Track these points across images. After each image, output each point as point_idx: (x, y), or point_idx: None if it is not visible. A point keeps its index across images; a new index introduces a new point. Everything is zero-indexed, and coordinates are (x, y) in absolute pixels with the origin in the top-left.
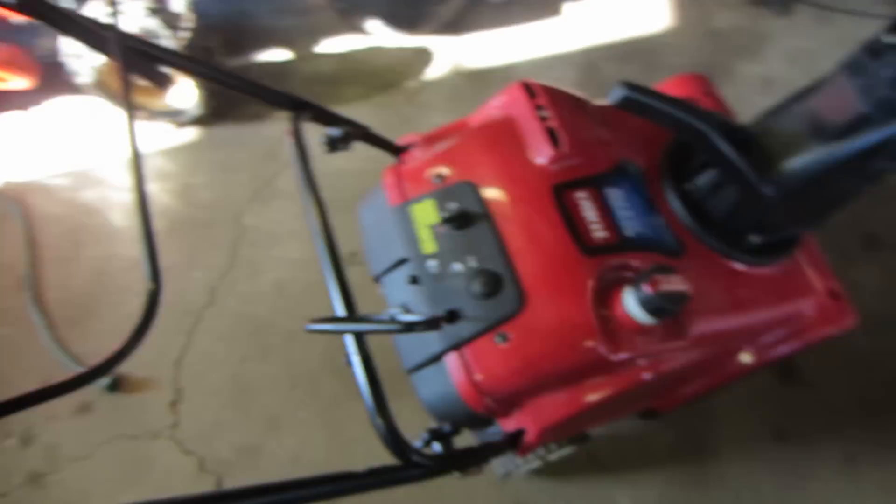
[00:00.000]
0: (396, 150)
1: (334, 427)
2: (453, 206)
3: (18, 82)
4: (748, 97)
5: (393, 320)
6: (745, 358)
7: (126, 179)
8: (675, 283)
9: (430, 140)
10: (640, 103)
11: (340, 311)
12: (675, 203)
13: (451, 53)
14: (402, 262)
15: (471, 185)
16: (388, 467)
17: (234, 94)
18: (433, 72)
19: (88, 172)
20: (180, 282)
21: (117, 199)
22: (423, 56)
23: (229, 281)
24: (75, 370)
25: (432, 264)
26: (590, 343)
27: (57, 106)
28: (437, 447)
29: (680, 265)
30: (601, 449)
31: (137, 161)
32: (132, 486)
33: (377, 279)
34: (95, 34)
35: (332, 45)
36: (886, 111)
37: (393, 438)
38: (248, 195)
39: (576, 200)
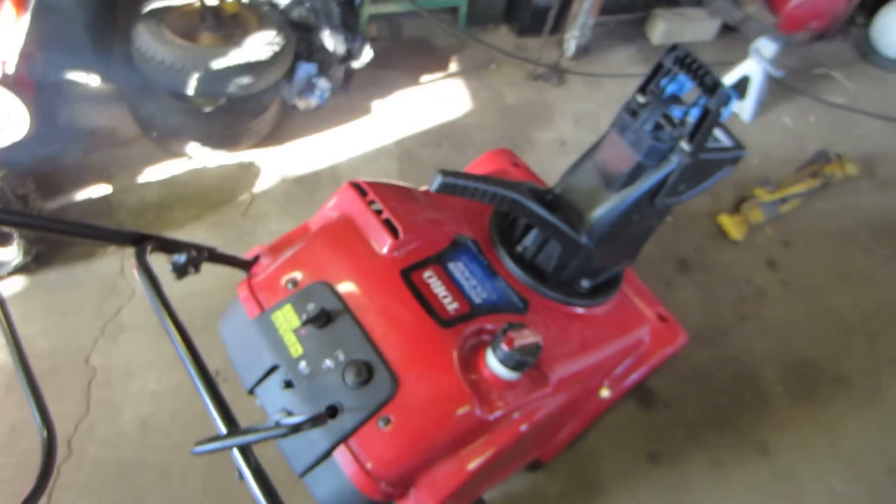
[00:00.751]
0: (246, 265)
1: None
2: (311, 307)
3: None
4: (549, 159)
5: (278, 425)
6: (605, 393)
7: None
8: (527, 337)
9: (276, 249)
10: (457, 186)
11: (222, 428)
12: (510, 265)
13: (275, 163)
14: (273, 369)
15: (325, 285)
16: None
17: (57, 236)
18: (262, 183)
19: None
20: (30, 442)
21: None
22: (248, 169)
23: (85, 428)
24: None
25: (303, 366)
26: (465, 408)
27: None
28: None
29: (527, 320)
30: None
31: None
32: None
33: (251, 391)
34: None
35: (154, 172)
36: (655, 157)
37: None
38: (93, 335)
39: (424, 280)
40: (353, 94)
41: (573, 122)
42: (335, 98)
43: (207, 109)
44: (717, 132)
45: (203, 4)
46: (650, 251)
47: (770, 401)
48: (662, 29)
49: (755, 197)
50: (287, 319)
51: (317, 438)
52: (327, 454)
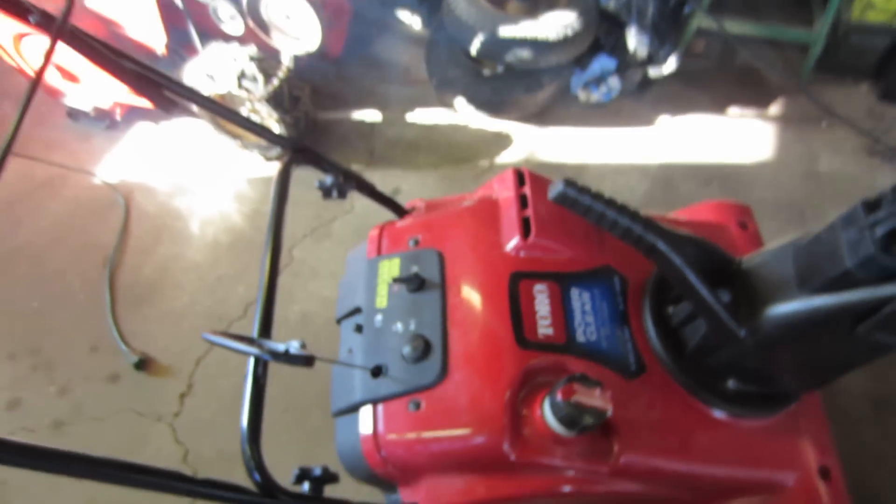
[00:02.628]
0: (399, 211)
1: (307, 457)
2: (414, 269)
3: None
4: None
5: (262, 347)
6: None
7: (211, 195)
8: (594, 397)
9: (432, 207)
10: (578, 202)
11: (255, 331)
12: (648, 323)
13: (529, 142)
14: (357, 310)
15: (438, 254)
16: (244, 488)
17: (319, 141)
18: (507, 156)
19: (186, 184)
20: (224, 292)
21: (200, 210)
22: (501, 139)
23: None
24: (117, 343)
25: (379, 318)
26: (491, 434)
27: (177, 125)
28: (305, 487)
29: (628, 387)
30: None
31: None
32: (124, 457)
33: (338, 322)
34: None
35: (421, 115)
36: (872, 271)
37: (256, 465)
38: (305, 231)
39: (532, 292)
40: (644, 102)
41: None
42: (623, 100)
43: (485, 72)
44: None
45: None
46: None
47: None
48: None
49: None
50: (390, 271)
51: (356, 388)
52: (356, 407)
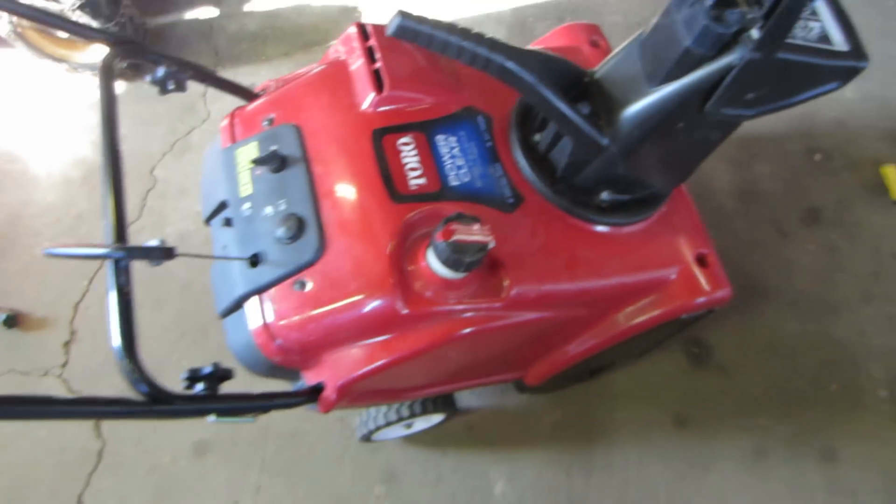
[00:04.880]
0: (248, 95)
1: None
2: (272, 148)
3: None
4: None
5: (115, 246)
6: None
7: (49, 129)
8: (473, 233)
9: (283, 83)
10: (419, 34)
11: (109, 238)
12: (517, 154)
13: (377, 9)
14: (223, 205)
15: (294, 129)
16: (132, 401)
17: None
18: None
19: (17, 122)
20: (88, 228)
21: (40, 148)
22: (348, 12)
23: (135, 231)
24: None
25: (246, 207)
26: (382, 295)
27: None
28: (199, 388)
29: (509, 220)
30: (481, 421)
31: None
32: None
33: (207, 223)
34: None
35: (260, 1)
36: (710, 44)
37: (140, 376)
38: (163, 148)
39: (397, 146)
40: None
41: None
42: None
43: None
44: (831, 26)
45: None
46: (774, 187)
47: (862, 403)
48: None
49: None
50: (249, 157)
51: (236, 283)
52: (240, 302)
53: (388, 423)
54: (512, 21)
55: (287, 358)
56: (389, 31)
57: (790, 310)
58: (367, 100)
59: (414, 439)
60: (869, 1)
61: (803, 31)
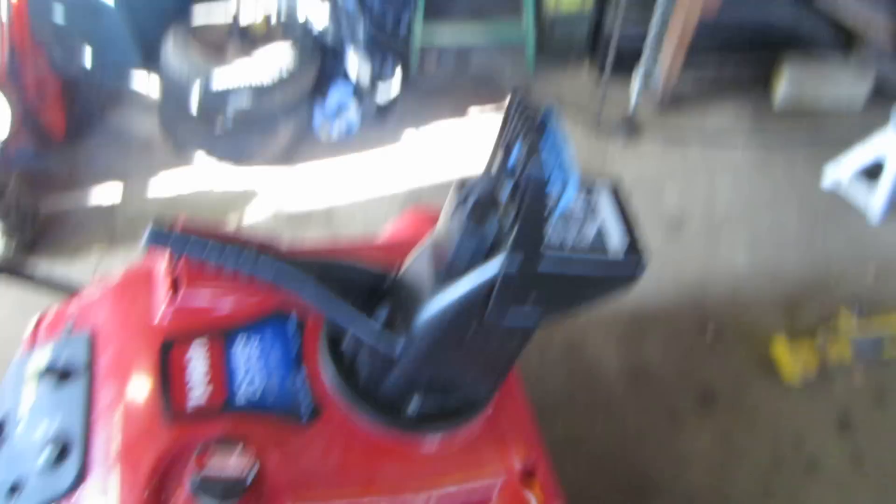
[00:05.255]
0: (71, 294)
1: None
2: (60, 359)
3: None
4: None
5: None
6: None
7: None
8: (228, 466)
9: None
10: (173, 245)
11: None
12: (324, 360)
13: (278, 189)
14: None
15: (87, 338)
16: None
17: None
18: (255, 207)
19: None
20: None
21: None
22: (249, 191)
23: None
24: None
25: (20, 426)
26: None
27: None
28: None
29: (302, 435)
30: None
31: None
32: None
33: None
34: None
35: (163, 180)
36: (466, 258)
37: None
38: None
39: (185, 359)
40: (388, 126)
41: (627, 190)
42: (368, 127)
43: (218, 125)
44: (611, 228)
45: (233, 22)
46: (666, 368)
47: None
48: (787, 90)
49: (838, 326)
50: (38, 366)
51: None
52: None
53: None
54: (406, 199)
55: None
56: (143, 245)
57: None
58: (163, 308)
59: None
60: (758, 170)
61: (576, 238)
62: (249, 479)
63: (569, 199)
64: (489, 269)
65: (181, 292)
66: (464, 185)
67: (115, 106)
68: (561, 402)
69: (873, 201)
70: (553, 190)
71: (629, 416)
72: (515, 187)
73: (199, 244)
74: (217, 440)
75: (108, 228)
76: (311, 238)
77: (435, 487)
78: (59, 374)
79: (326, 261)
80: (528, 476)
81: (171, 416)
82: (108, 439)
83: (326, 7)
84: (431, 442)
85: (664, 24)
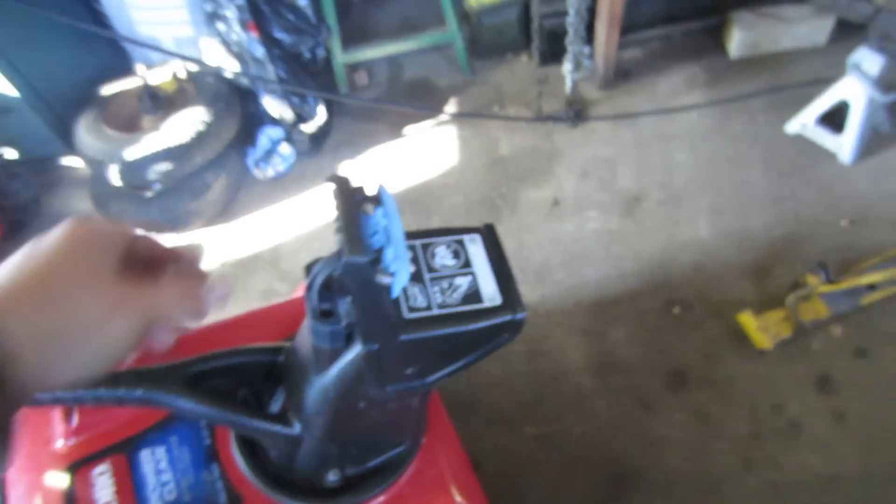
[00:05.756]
0: None
1: None
2: None
3: None
4: (532, 226)
5: None
6: None
7: None
8: None
9: None
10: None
11: None
12: (234, 450)
13: (221, 243)
14: None
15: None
16: None
17: None
18: (203, 267)
19: None
20: None
21: None
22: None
23: None
24: None
25: None
26: None
27: None
28: None
29: None
30: None
31: None
32: None
33: None
34: None
35: None
36: (326, 339)
37: None
38: None
39: (90, 479)
40: (324, 156)
41: (579, 175)
42: (303, 162)
43: (147, 194)
44: (484, 277)
45: (142, 86)
46: (633, 353)
47: None
48: (742, 37)
49: (808, 285)
50: None
51: None
52: None
53: None
54: None
55: None
56: None
57: (663, 496)
58: (57, 433)
59: None
60: (716, 129)
61: (445, 295)
62: None
63: (402, 279)
64: (349, 355)
65: (74, 416)
66: (311, 268)
67: (50, 190)
68: (529, 404)
69: (843, 141)
70: (390, 267)
71: (600, 408)
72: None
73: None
74: None
75: None
76: (258, 285)
77: None
78: None
79: (206, 357)
80: None
81: None
82: None
83: (234, 54)
84: None
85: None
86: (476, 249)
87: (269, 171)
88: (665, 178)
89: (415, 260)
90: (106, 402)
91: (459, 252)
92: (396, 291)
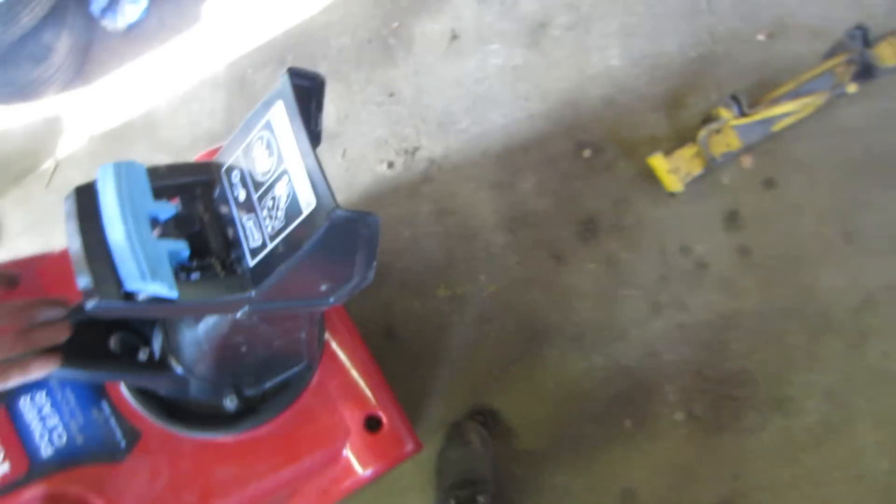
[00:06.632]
0: None
1: None
2: None
3: None
4: (429, 65)
5: None
6: None
7: None
8: None
9: None
10: None
11: None
12: (122, 384)
13: (82, 111)
14: None
15: None
16: None
17: None
18: (67, 143)
19: None
20: None
21: None
22: (52, 126)
23: None
24: None
25: None
26: None
27: None
28: None
29: (124, 468)
30: None
31: None
32: None
33: None
34: None
35: None
36: None
37: None
38: None
39: None
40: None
41: (476, 2)
42: (161, 7)
43: None
44: (297, 172)
45: None
46: (544, 203)
47: (658, 433)
48: None
49: (720, 118)
50: None
51: None
52: None
53: None
54: (228, 80)
55: None
56: None
57: (574, 346)
58: None
59: None
60: None
61: (273, 218)
62: None
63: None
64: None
65: None
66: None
67: None
68: (441, 266)
69: None
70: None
71: (512, 265)
72: None
73: None
74: None
75: None
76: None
77: (279, 470)
78: None
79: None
80: (374, 424)
81: None
82: None
83: None
84: (264, 428)
85: None
86: (282, 127)
87: (120, 22)
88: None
89: (242, 180)
90: None
91: (271, 143)
92: (170, 296)
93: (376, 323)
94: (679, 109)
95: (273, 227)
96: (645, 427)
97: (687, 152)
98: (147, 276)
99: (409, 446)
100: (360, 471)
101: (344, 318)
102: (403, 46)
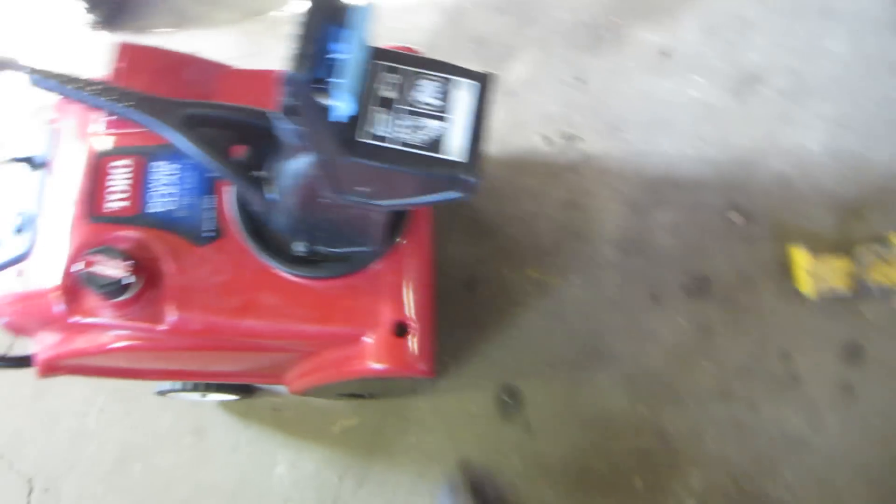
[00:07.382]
0: None
1: None
2: (28, 149)
3: None
4: (627, 75)
5: None
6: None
7: None
8: (108, 267)
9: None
10: (52, 88)
11: None
12: (230, 191)
13: None
14: None
15: (53, 132)
16: None
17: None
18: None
19: None
20: None
21: None
22: None
23: None
24: None
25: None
26: (53, 296)
27: None
28: None
29: (196, 253)
30: (285, 406)
31: None
32: None
33: None
34: None
35: None
36: (286, 135)
37: None
38: None
39: (108, 169)
40: None
41: (703, 29)
42: None
43: None
44: (457, 128)
45: None
46: (669, 243)
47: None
48: None
49: (892, 245)
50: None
51: None
52: None
53: (184, 390)
54: (450, 7)
55: (14, 330)
56: (29, 84)
57: (625, 384)
58: (100, 123)
59: (228, 404)
60: (894, 24)
61: (410, 133)
62: (124, 280)
63: (343, 109)
64: (303, 161)
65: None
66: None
67: None
68: (545, 249)
69: None
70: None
71: (608, 282)
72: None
73: (77, 90)
74: (106, 248)
75: (172, 8)
76: None
77: (307, 322)
78: (30, 163)
79: (203, 104)
80: (401, 330)
81: (94, 215)
82: (49, 224)
83: None
84: (314, 283)
85: None
86: (465, 97)
87: None
88: (801, 65)
89: (397, 86)
90: (94, 103)
91: (446, 94)
92: (338, 117)
93: (462, 269)
94: (855, 220)
95: (403, 139)
96: (653, 496)
97: (836, 263)
98: (349, 91)
99: (422, 366)
100: (369, 362)
101: (426, 234)
102: (613, 42)
